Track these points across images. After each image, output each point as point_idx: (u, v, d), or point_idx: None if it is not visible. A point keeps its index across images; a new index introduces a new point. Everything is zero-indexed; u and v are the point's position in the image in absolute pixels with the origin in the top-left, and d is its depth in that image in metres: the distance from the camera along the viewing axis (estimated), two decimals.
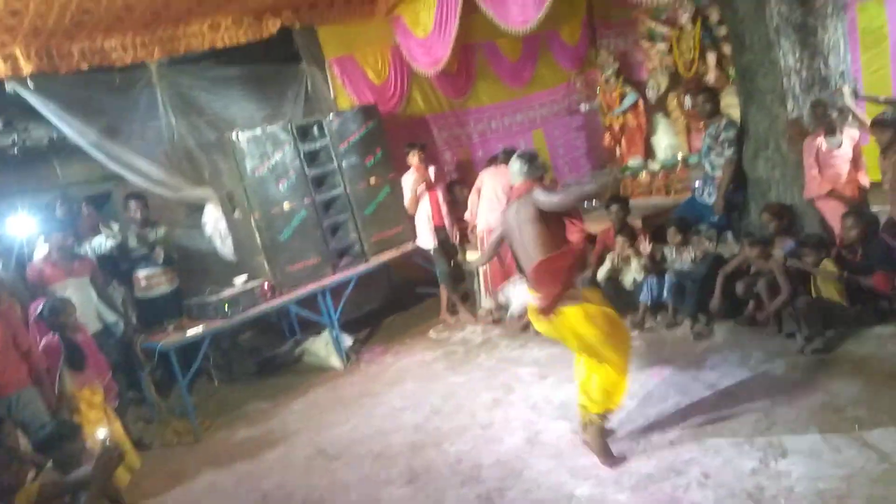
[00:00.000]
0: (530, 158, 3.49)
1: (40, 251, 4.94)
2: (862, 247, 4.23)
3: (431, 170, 6.34)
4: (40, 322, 4.38)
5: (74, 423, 3.78)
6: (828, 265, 4.26)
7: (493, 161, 6.51)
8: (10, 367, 3.96)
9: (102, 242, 5.35)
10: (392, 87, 6.92)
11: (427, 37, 6.41)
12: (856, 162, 4.70)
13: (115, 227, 5.46)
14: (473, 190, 6.24)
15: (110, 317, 5.20)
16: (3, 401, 3.91)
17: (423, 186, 6.21)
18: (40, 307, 4.39)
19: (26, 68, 4.75)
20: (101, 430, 3.28)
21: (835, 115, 4.59)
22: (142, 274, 5.56)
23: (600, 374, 3.38)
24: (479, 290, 6.28)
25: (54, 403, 4.12)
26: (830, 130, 4.63)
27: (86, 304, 4.88)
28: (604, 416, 3.43)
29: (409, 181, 6.29)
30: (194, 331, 4.97)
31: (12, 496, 2.96)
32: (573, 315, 3.29)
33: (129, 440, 4.55)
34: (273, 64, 6.49)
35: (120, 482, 3.97)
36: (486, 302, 6.19)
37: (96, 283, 5.07)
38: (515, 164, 3.49)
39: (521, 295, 3.56)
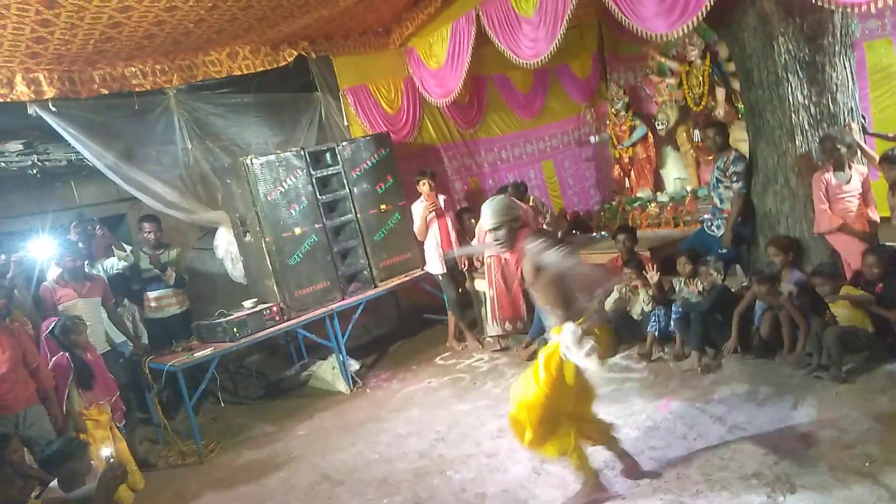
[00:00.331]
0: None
1: (53, 272, 5.01)
2: (883, 282, 4.18)
3: (441, 198, 6.41)
4: (51, 340, 4.43)
5: (81, 440, 3.79)
6: (850, 290, 4.24)
7: (501, 192, 6.57)
8: (18, 384, 4.01)
9: (115, 263, 5.43)
10: (404, 117, 7.03)
11: (440, 68, 6.54)
12: (865, 196, 4.71)
13: (128, 249, 5.54)
14: (482, 218, 6.26)
15: (119, 337, 5.26)
16: (10, 417, 3.95)
17: (433, 214, 6.27)
18: (52, 325, 4.44)
19: (49, 92, 4.89)
20: (105, 449, 3.29)
21: (843, 150, 4.61)
22: (153, 295, 5.62)
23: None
24: (486, 316, 6.28)
25: (61, 421, 4.14)
26: (839, 165, 4.65)
27: (95, 324, 4.94)
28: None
29: (419, 209, 6.35)
30: (202, 352, 4.99)
31: None
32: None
33: (135, 460, 4.55)
34: (288, 92, 6.64)
35: (123, 502, 3.97)
36: (491, 329, 6.19)
37: (107, 304, 5.13)
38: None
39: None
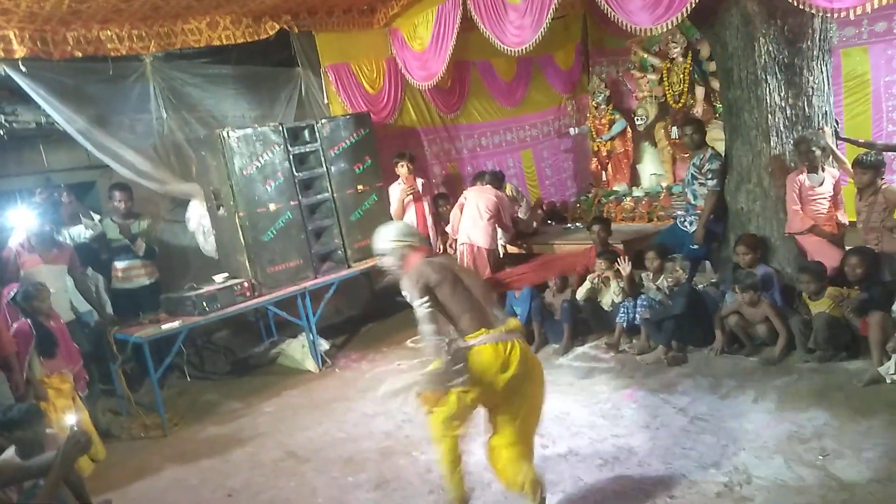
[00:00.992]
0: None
1: (17, 235, 4.89)
2: (861, 285, 4.25)
3: (420, 181, 6.40)
4: (12, 307, 4.32)
5: (39, 408, 3.71)
6: (834, 291, 4.32)
7: (479, 178, 6.58)
8: None
9: (82, 232, 5.32)
10: (385, 98, 6.98)
11: (423, 50, 6.49)
12: (835, 199, 4.83)
13: (96, 218, 5.42)
14: (456, 205, 6.30)
15: (84, 306, 5.15)
16: None
17: (410, 197, 6.25)
18: (14, 291, 4.34)
19: (19, 51, 4.73)
20: (70, 416, 3.23)
21: (818, 153, 4.71)
22: (120, 265, 5.52)
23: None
24: None
25: (22, 388, 4.05)
26: (813, 168, 4.75)
27: (60, 292, 4.83)
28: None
29: (396, 191, 6.34)
30: (170, 325, 4.93)
31: None
32: None
33: (96, 431, 4.48)
34: (268, 66, 6.53)
35: (83, 471, 3.91)
36: None
37: (74, 273, 5.02)
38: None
39: None
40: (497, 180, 6.45)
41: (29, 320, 4.25)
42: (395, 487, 3.58)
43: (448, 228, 6.40)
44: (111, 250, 5.49)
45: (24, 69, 4.83)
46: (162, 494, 3.93)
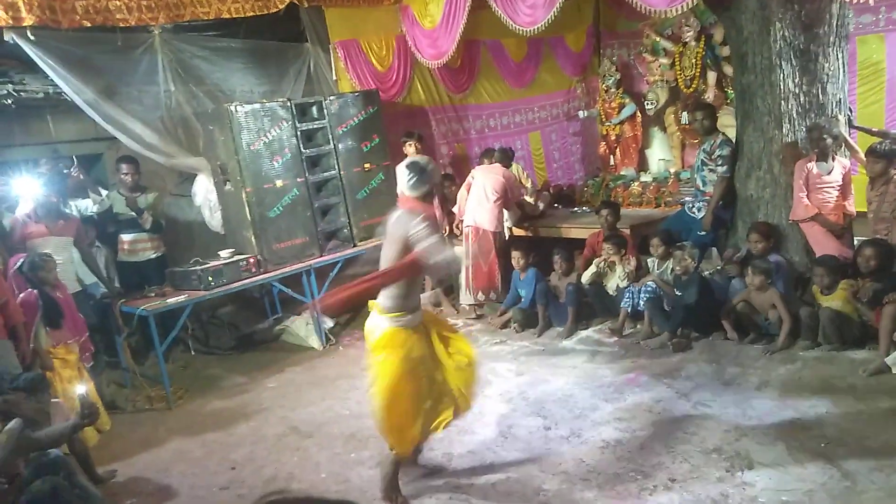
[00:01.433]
0: (420, 171, 3.13)
1: (24, 206, 4.89)
2: (875, 277, 4.22)
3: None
4: (18, 277, 4.33)
5: (44, 377, 3.74)
6: (848, 285, 4.30)
7: (487, 155, 6.54)
8: None
9: (89, 206, 5.31)
10: (394, 76, 6.92)
11: (434, 28, 6.42)
12: (844, 189, 4.79)
13: (104, 193, 5.41)
14: (463, 185, 6.28)
15: (90, 278, 5.16)
16: None
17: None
18: (20, 261, 4.34)
19: (28, 19, 4.67)
20: (80, 386, 3.24)
21: (829, 141, 4.67)
22: (127, 238, 5.53)
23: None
24: (461, 285, 6.29)
25: (29, 358, 4.07)
26: (823, 156, 4.71)
27: (66, 263, 4.84)
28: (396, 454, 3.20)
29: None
30: (176, 299, 4.94)
31: None
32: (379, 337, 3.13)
33: (101, 402, 4.51)
34: (278, 40, 6.47)
35: (88, 441, 3.95)
36: (465, 298, 6.19)
37: (80, 244, 5.02)
38: (403, 174, 3.16)
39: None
40: (506, 158, 6.40)
41: (35, 291, 4.26)
42: None
43: (454, 209, 6.38)
44: (118, 223, 5.49)
45: (32, 37, 4.79)
46: (167, 466, 3.96)
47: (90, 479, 3.52)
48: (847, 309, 4.27)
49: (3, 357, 3.93)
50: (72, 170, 5.53)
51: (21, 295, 4.26)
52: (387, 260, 3.13)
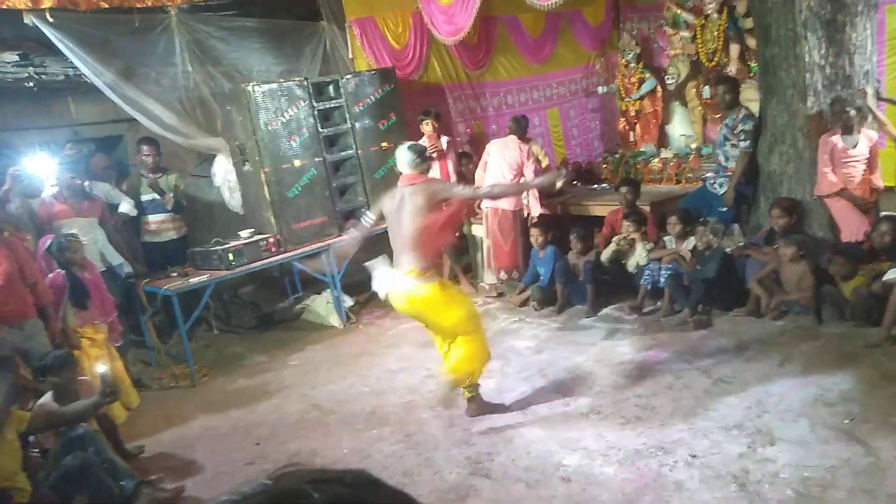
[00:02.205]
0: (421, 151, 3.75)
1: (51, 188, 4.95)
2: (890, 254, 4.17)
3: (444, 139, 6.32)
4: (48, 257, 4.41)
5: (72, 355, 3.82)
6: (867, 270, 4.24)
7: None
8: (13, 297, 3.98)
9: (116, 197, 5.36)
10: (411, 53, 6.86)
11: (450, 5, 6.33)
12: (871, 163, 4.69)
13: (132, 203, 5.44)
14: (480, 164, 6.20)
15: (116, 259, 5.24)
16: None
17: (434, 155, 6.19)
18: (49, 242, 4.41)
19: (46, 1, 4.71)
20: (100, 366, 3.31)
21: (853, 113, 4.56)
22: (150, 219, 5.59)
23: (461, 348, 3.63)
24: (482, 265, 6.29)
25: (58, 337, 4.16)
26: (847, 129, 4.61)
27: (91, 244, 4.91)
28: (471, 387, 3.75)
29: None
30: (198, 278, 5.00)
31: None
32: (432, 293, 3.53)
33: (130, 380, 4.61)
34: (293, 19, 6.44)
35: (117, 419, 4.04)
36: (487, 277, 6.21)
37: (105, 225, 5.09)
38: (406, 156, 3.66)
39: (383, 277, 3.68)
40: (520, 127, 6.17)
41: (63, 271, 4.34)
42: (418, 440, 3.65)
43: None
44: (140, 204, 5.55)
45: (51, 20, 4.82)
46: (192, 442, 4.05)
47: (118, 454, 3.61)
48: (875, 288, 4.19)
49: (34, 336, 4.02)
50: (96, 159, 5.58)
51: (50, 275, 4.34)
52: (410, 229, 3.53)
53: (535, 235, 5.64)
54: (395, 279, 3.61)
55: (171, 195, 5.55)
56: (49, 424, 3.29)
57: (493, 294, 6.04)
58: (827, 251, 4.54)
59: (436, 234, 3.61)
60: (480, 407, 3.79)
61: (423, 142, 6.23)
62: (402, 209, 3.58)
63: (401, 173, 3.76)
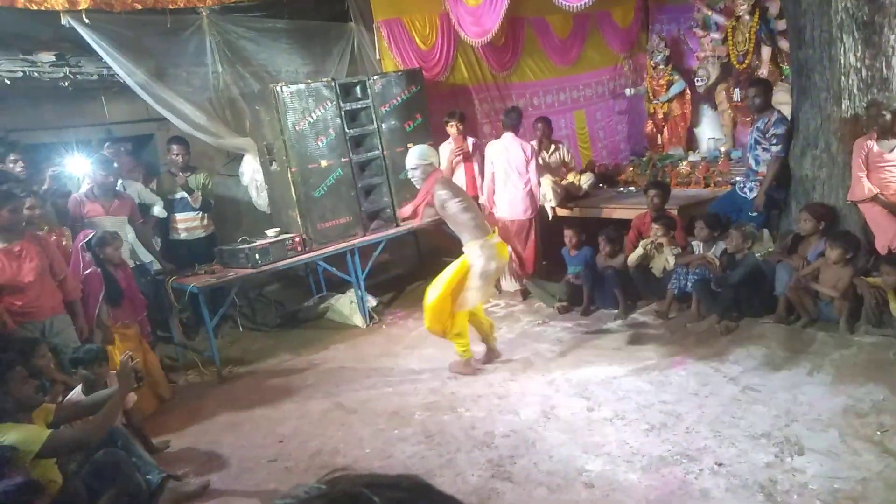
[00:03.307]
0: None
1: (83, 185, 5.06)
2: None
3: (470, 141, 6.31)
4: (85, 251, 4.48)
5: (103, 349, 3.89)
6: None
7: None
8: (45, 293, 4.07)
9: (150, 198, 5.46)
10: (437, 54, 6.87)
11: (478, 6, 6.33)
12: None
13: (161, 204, 5.53)
14: (487, 175, 5.84)
15: (146, 257, 5.33)
16: (37, 324, 4.04)
17: (459, 157, 6.19)
18: (90, 236, 4.49)
19: (83, 3, 4.82)
20: (124, 354, 3.36)
21: (889, 117, 4.45)
22: (178, 217, 5.67)
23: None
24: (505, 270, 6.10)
25: (87, 332, 4.24)
26: (883, 133, 4.50)
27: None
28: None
29: (446, 150, 6.28)
30: (225, 276, 5.06)
31: (30, 412, 3.06)
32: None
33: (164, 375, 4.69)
34: (322, 20, 6.49)
35: (144, 410, 4.10)
36: (508, 285, 6.11)
37: (135, 224, 5.17)
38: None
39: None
40: (512, 120, 5.83)
41: (99, 269, 4.41)
42: (441, 441, 3.65)
43: (482, 200, 5.92)
44: (170, 203, 5.64)
45: (87, 21, 4.93)
46: (217, 438, 4.09)
47: (146, 449, 3.66)
48: None
49: (63, 331, 4.11)
50: (126, 162, 5.68)
51: (86, 272, 4.42)
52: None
53: (569, 236, 5.60)
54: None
55: (199, 193, 5.63)
56: (76, 414, 3.34)
57: (517, 299, 5.98)
58: (869, 258, 4.44)
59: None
60: (461, 368, 4.49)
61: (450, 143, 6.25)
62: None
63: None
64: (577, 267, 5.54)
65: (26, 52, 5.10)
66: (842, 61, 4.59)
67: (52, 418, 3.17)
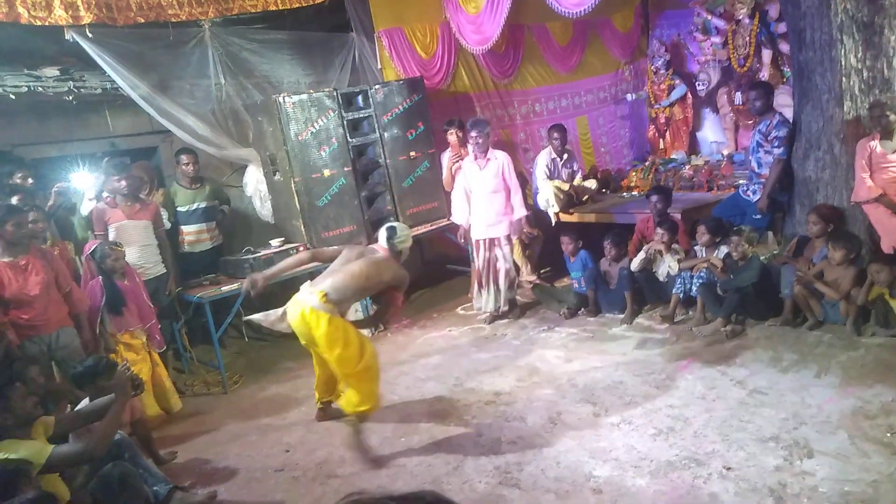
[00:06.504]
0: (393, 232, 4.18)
1: (88, 202, 5.07)
2: None
3: (470, 148, 6.32)
4: (90, 261, 4.50)
5: (110, 360, 3.89)
6: None
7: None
8: (50, 306, 4.08)
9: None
10: (438, 63, 6.89)
11: (478, 14, 6.37)
12: None
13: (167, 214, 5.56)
14: (459, 190, 5.69)
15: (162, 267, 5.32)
16: (43, 338, 4.04)
17: (458, 164, 6.21)
18: (93, 247, 4.51)
19: (86, 17, 4.85)
20: (122, 364, 3.36)
21: (892, 118, 4.45)
22: (185, 229, 5.68)
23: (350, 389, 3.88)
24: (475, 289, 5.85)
25: (91, 345, 4.24)
26: (886, 134, 4.49)
27: (147, 247, 5.02)
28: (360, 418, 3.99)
29: (447, 158, 6.30)
30: (230, 287, 5.07)
31: (28, 428, 3.06)
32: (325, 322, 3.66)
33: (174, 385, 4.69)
34: (323, 31, 6.53)
35: (152, 419, 4.10)
36: (477, 303, 5.80)
37: (157, 231, 5.16)
38: (383, 233, 4.20)
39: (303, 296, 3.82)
40: (479, 127, 5.48)
41: (100, 278, 4.42)
42: (448, 449, 3.64)
43: (455, 218, 5.83)
44: (178, 215, 5.64)
45: (90, 35, 4.96)
46: (224, 448, 4.09)
47: (152, 460, 3.67)
48: None
49: (68, 344, 4.11)
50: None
51: (91, 281, 4.44)
52: (356, 274, 3.95)
53: (565, 242, 5.60)
54: (305, 293, 3.80)
55: (207, 203, 5.66)
56: (76, 423, 3.34)
57: (486, 321, 5.68)
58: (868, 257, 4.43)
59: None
60: (324, 417, 4.22)
61: (451, 150, 6.26)
62: (360, 258, 4.02)
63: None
64: (578, 272, 5.53)
65: (31, 68, 5.14)
66: (843, 63, 4.59)
67: (53, 431, 3.17)
